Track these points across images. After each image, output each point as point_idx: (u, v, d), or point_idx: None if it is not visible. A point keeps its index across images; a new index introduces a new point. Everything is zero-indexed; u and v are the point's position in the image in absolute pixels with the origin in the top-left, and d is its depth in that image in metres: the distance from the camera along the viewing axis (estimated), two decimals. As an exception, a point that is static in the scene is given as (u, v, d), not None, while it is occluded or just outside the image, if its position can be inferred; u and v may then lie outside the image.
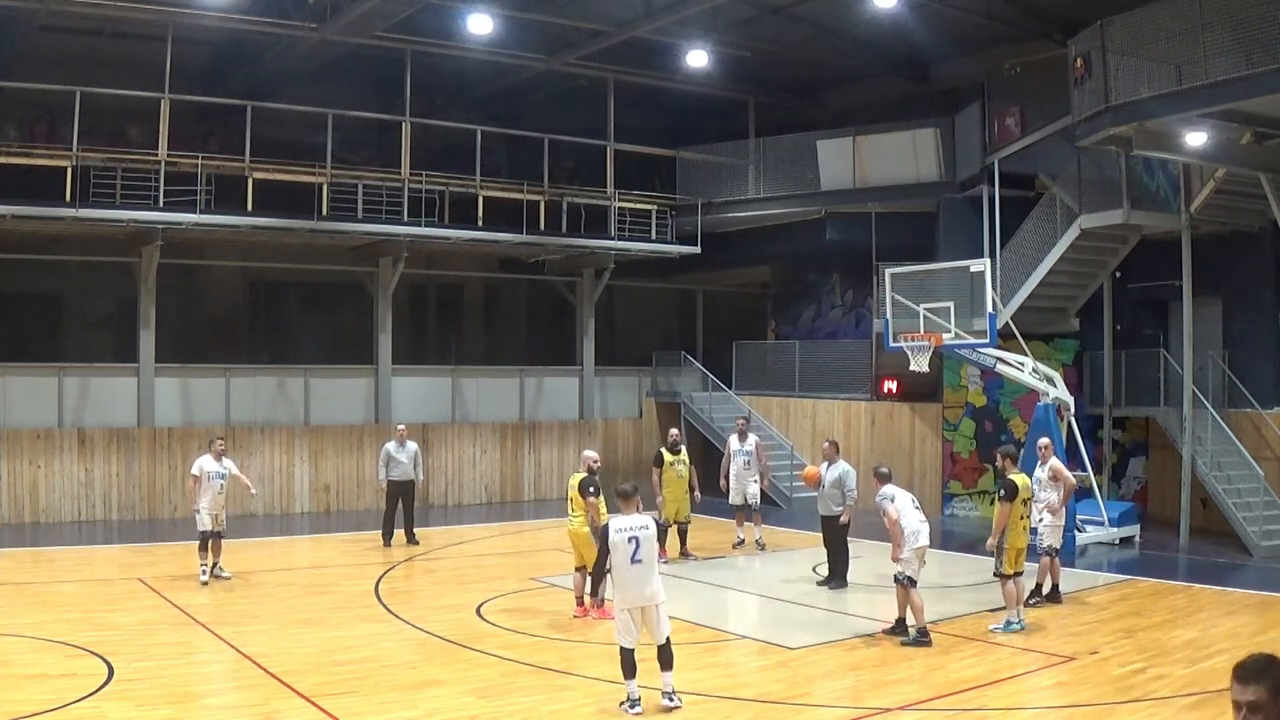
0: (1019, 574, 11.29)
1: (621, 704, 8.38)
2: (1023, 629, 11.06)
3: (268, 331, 24.76)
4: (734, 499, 16.54)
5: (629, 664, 8.41)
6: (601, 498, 11.74)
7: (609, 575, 8.75)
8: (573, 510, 11.99)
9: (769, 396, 23.84)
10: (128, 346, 19.92)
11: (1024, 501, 11.43)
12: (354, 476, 20.89)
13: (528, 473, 23.05)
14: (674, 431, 16.51)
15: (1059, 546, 12.50)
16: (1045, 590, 12.48)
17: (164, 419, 19.60)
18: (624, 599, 8.50)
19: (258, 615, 11.80)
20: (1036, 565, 12.54)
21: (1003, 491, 11.30)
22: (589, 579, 11.52)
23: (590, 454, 12.56)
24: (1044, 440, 13.44)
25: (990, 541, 11.32)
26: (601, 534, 8.78)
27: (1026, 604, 12.10)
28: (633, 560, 8.43)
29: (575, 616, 11.73)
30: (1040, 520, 12.50)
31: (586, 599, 11.73)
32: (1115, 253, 19.03)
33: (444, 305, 27.26)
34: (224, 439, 14.53)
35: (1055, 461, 12.77)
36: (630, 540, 8.46)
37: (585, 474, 12.03)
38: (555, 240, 22.33)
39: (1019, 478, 11.45)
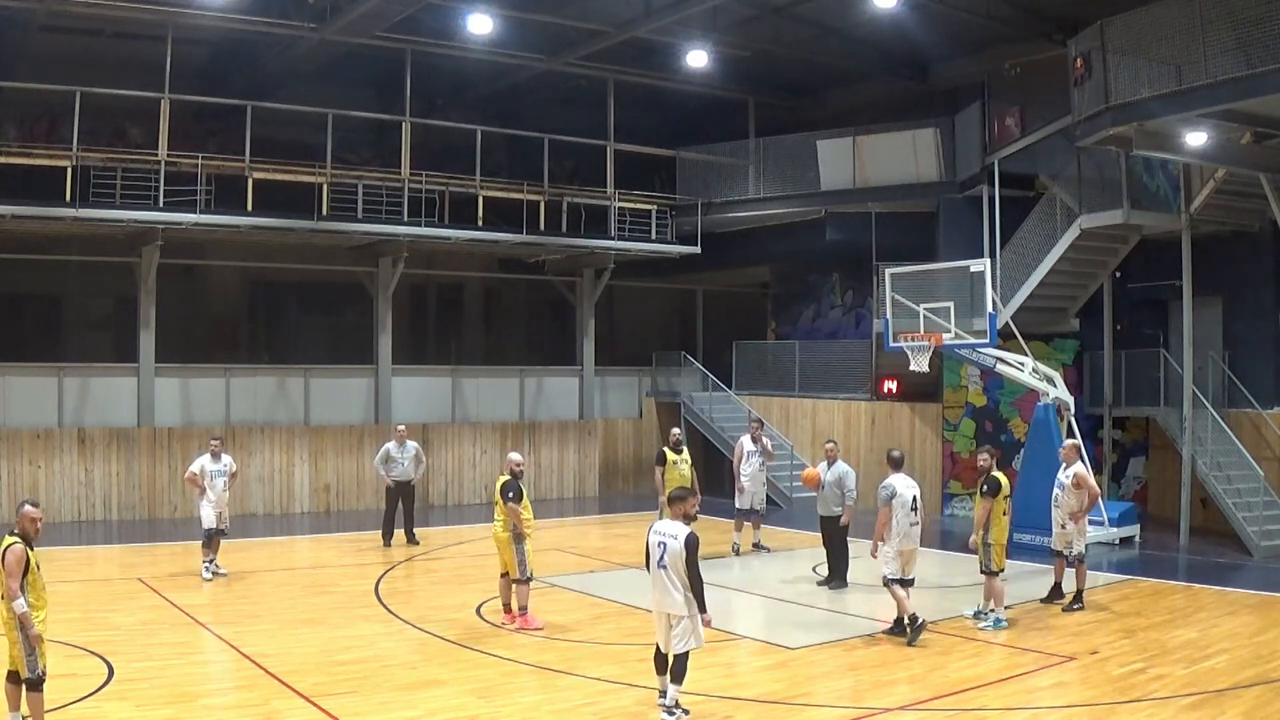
0: (1002, 571, 11.38)
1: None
2: (1005, 626, 11.10)
3: (268, 331, 24.75)
4: (741, 502, 16.09)
5: (655, 661, 8.45)
6: (525, 503, 11.20)
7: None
8: (496, 514, 11.38)
9: (769, 396, 23.84)
10: (128, 346, 19.93)
11: (1005, 498, 11.45)
12: (354, 476, 20.89)
13: (528, 473, 22.93)
14: (676, 431, 16.46)
15: (1084, 552, 12.30)
16: (1081, 598, 12.11)
17: (164, 419, 19.61)
18: (651, 599, 8.47)
19: (258, 615, 11.81)
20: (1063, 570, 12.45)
21: (985, 487, 11.35)
22: (514, 587, 11.27)
23: (515, 456, 11.81)
24: (1071, 441, 13.19)
25: (973, 538, 11.48)
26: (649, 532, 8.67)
27: (1068, 609, 11.98)
28: (657, 564, 8.32)
29: (503, 625, 11.26)
30: (1063, 527, 12.26)
31: (514, 605, 11.30)
32: (1115, 253, 19.03)
33: (444, 305, 27.24)
34: (219, 439, 14.52)
35: (1080, 468, 12.38)
36: (659, 545, 8.33)
37: (508, 477, 11.41)
38: (555, 240, 22.32)
39: (1003, 476, 11.50)
